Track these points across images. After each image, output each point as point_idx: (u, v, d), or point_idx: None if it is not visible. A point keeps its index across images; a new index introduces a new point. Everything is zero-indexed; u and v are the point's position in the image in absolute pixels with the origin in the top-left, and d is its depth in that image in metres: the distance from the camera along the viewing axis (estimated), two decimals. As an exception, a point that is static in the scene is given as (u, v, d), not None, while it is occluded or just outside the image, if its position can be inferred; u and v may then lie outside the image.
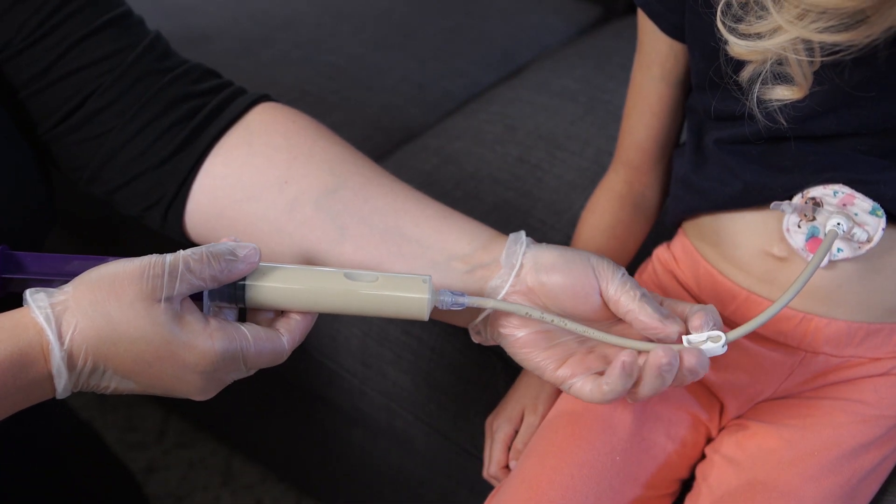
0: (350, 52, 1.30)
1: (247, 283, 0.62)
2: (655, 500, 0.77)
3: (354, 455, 1.13)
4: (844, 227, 0.69)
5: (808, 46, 0.62)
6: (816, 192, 0.71)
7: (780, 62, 0.64)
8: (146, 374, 0.59)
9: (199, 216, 0.73)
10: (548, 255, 0.67)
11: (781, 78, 0.64)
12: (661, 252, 0.85)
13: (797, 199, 0.72)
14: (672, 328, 0.63)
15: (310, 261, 0.71)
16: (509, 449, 0.81)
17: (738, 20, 0.63)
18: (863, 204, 0.70)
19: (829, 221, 0.69)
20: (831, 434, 0.74)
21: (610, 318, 0.67)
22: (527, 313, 0.64)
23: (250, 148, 0.72)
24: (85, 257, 0.62)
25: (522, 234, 0.69)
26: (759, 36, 0.62)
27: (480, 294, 0.68)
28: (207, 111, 0.73)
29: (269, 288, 0.62)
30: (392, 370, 0.97)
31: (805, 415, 0.76)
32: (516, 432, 0.81)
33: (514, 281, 0.67)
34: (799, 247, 0.72)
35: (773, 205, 0.72)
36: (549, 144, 1.10)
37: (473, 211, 1.00)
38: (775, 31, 0.61)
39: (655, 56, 0.79)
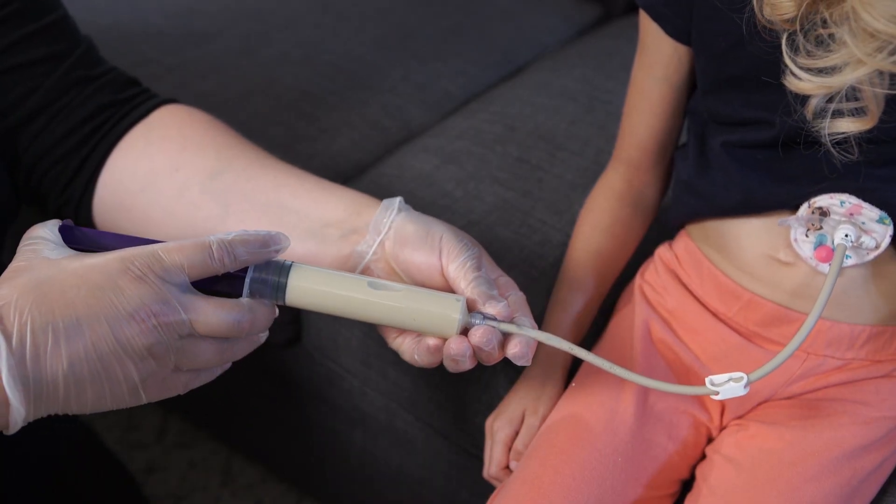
0: (350, 52, 1.30)
1: (289, 282, 0.62)
2: (656, 501, 0.77)
3: (354, 455, 1.13)
4: (853, 237, 0.69)
5: (882, 77, 0.61)
6: (823, 201, 0.71)
7: (851, 93, 0.63)
8: (77, 308, 0.54)
9: (104, 209, 0.78)
10: (409, 227, 0.68)
11: (848, 108, 0.64)
12: (663, 251, 0.85)
13: (803, 209, 0.72)
14: (490, 310, 0.63)
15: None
16: (510, 450, 0.80)
17: (798, 53, 0.62)
18: (870, 213, 0.70)
19: (837, 232, 0.69)
20: (832, 435, 0.74)
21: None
22: (558, 344, 0.64)
23: (147, 142, 0.77)
24: (147, 240, 0.62)
25: (396, 200, 0.70)
26: (832, 69, 0.61)
27: (350, 258, 0.69)
28: (119, 116, 0.78)
29: (302, 288, 0.62)
30: (392, 370, 0.97)
31: (806, 416, 0.76)
32: (517, 433, 0.81)
33: (378, 249, 0.68)
34: (807, 256, 0.72)
35: (780, 221, 0.72)
36: (549, 144, 1.10)
37: (473, 211, 1.01)
38: (851, 64, 0.60)
39: (659, 58, 0.78)
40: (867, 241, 0.70)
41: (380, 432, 1.06)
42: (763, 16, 0.64)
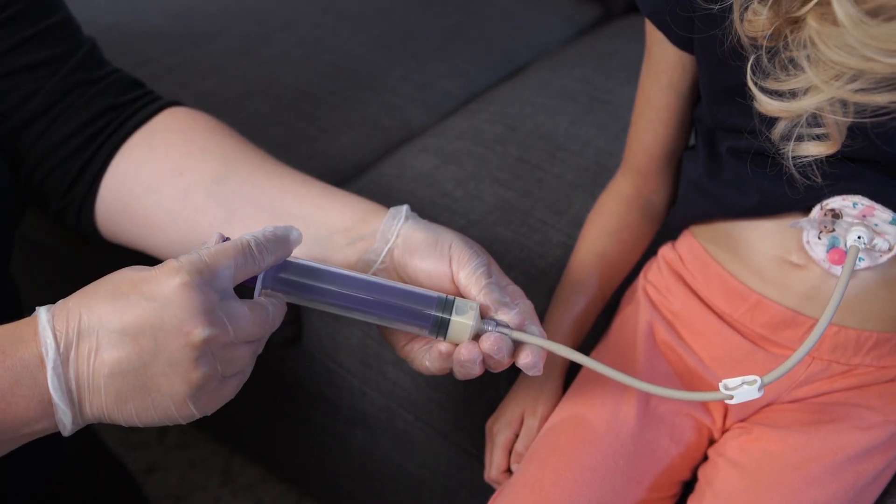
0: (350, 52, 1.30)
1: (305, 280, 0.62)
2: (658, 503, 0.77)
3: (354, 455, 1.13)
4: (866, 239, 0.69)
5: (844, 104, 0.61)
6: (835, 203, 0.71)
7: (815, 119, 0.63)
8: (124, 316, 0.54)
9: (106, 213, 0.78)
10: (417, 235, 0.68)
11: (812, 133, 0.64)
12: (666, 251, 0.85)
13: (815, 211, 0.71)
14: (503, 317, 0.64)
15: (200, 242, 0.72)
16: (510, 453, 0.80)
17: (767, 75, 0.62)
18: (883, 214, 0.70)
19: (850, 234, 0.69)
20: (836, 439, 0.74)
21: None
22: (569, 355, 0.64)
23: (150, 146, 0.77)
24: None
25: (403, 208, 0.70)
26: (792, 94, 0.61)
27: (357, 265, 0.69)
28: (123, 119, 0.78)
29: (317, 287, 0.63)
30: (392, 370, 0.97)
31: (810, 420, 0.76)
32: (517, 436, 0.81)
33: (385, 257, 0.68)
34: (820, 258, 0.72)
35: (791, 223, 0.72)
36: (549, 144, 1.10)
37: (473, 211, 1.01)
38: (810, 90, 0.60)
39: (664, 66, 0.78)
40: (880, 243, 0.70)
41: (380, 432, 1.06)
42: (739, 31, 0.64)
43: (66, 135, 0.76)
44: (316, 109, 1.19)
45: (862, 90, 0.58)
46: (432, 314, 0.63)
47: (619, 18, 1.47)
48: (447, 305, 0.63)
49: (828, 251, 0.71)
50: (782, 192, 0.72)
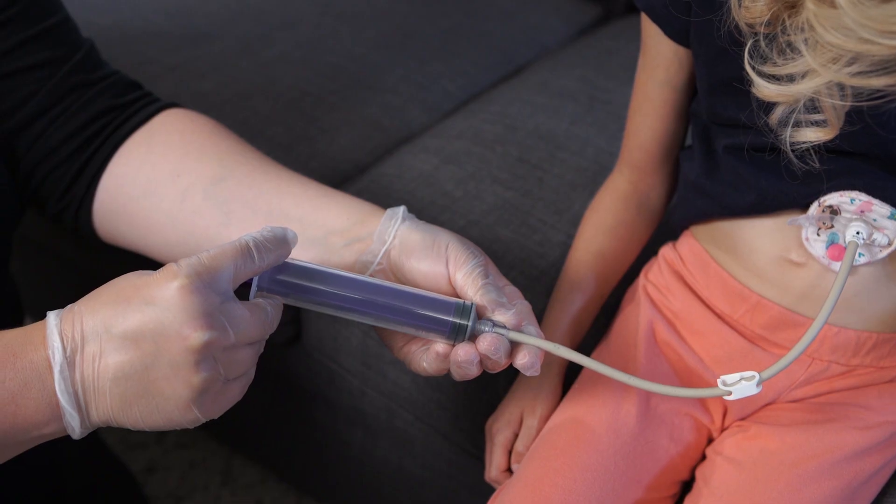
0: (350, 52, 1.30)
1: (302, 282, 0.62)
2: (656, 502, 0.77)
3: (354, 455, 1.13)
4: (864, 234, 0.69)
5: (842, 88, 0.61)
6: (833, 199, 0.70)
7: (813, 103, 0.63)
8: (126, 321, 0.54)
9: (104, 214, 0.78)
10: (414, 236, 0.68)
11: (811, 119, 0.64)
12: (666, 251, 0.85)
13: (813, 208, 0.71)
14: (500, 318, 0.64)
15: (198, 245, 0.73)
16: (510, 453, 0.80)
17: (765, 60, 0.62)
18: (881, 209, 0.69)
19: (849, 230, 0.69)
20: (833, 438, 0.74)
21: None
22: (567, 355, 0.64)
23: (148, 147, 0.77)
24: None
25: (400, 209, 0.70)
26: (790, 78, 0.61)
27: (354, 266, 0.69)
28: (121, 121, 0.78)
29: (314, 289, 0.63)
30: (391, 370, 0.97)
31: (808, 419, 0.76)
32: (516, 435, 0.81)
33: (382, 258, 0.68)
34: (820, 255, 0.72)
35: (789, 220, 0.72)
36: (549, 144, 1.10)
37: (473, 211, 1.01)
38: (808, 73, 0.60)
39: (660, 60, 0.78)
40: (879, 238, 0.70)
41: (380, 432, 1.06)
42: (737, 17, 0.64)
43: (64, 136, 0.76)
44: (316, 109, 1.19)
45: (859, 73, 0.58)
46: (450, 320, 0.63)
47: (619, 18, 1.47)
48: (464, 311, 0.63)
49: (827, 248, 0.71)
50: (780, 188, 0.72)
